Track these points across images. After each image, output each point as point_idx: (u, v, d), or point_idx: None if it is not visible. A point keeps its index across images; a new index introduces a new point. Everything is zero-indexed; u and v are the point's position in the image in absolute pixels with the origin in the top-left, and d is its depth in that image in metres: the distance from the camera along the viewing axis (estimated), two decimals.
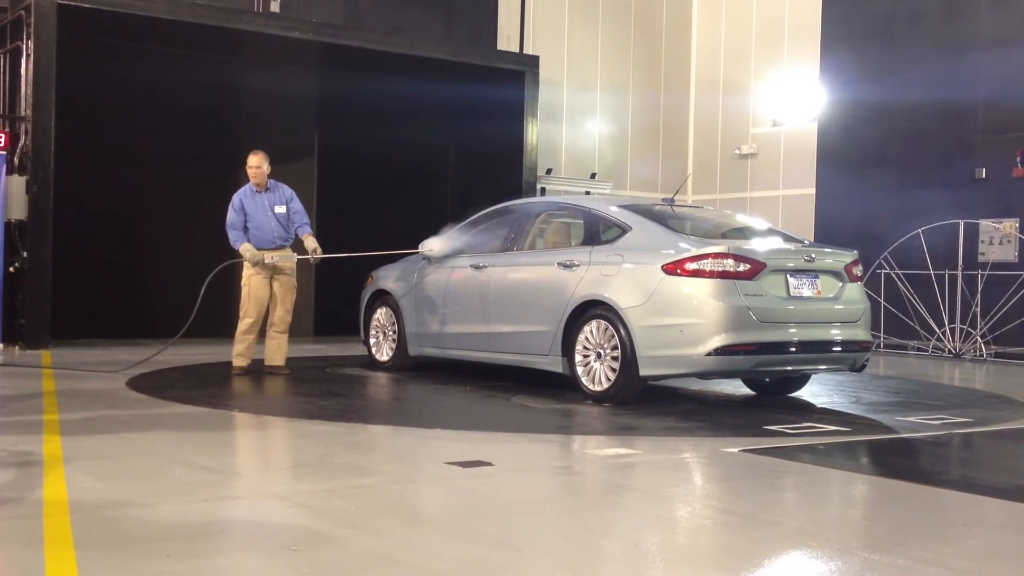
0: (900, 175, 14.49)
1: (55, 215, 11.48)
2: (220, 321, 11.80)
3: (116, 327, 13.09)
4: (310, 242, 9.36)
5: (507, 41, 15.91)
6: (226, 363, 9.65)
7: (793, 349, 7.60)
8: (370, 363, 10.24)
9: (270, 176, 9.39)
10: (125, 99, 13.30)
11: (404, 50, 13.83)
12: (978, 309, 13.34)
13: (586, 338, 7.92)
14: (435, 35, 14.96)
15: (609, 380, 7.72)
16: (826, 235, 14.80)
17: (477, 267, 9.08)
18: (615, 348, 7.67)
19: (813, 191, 15.77)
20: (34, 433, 5.96)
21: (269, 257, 9.21)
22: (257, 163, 9.27)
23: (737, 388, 9.09)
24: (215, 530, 4.05)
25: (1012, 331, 13.08)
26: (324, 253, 9.48)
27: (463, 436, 6.37)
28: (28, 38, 11.33)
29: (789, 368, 7.95)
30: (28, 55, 11.35)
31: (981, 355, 13.23)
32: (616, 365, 7.66)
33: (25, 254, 11.32)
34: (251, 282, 9.24)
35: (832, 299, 7.93)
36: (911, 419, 7.45)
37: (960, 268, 13.57)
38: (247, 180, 9.46)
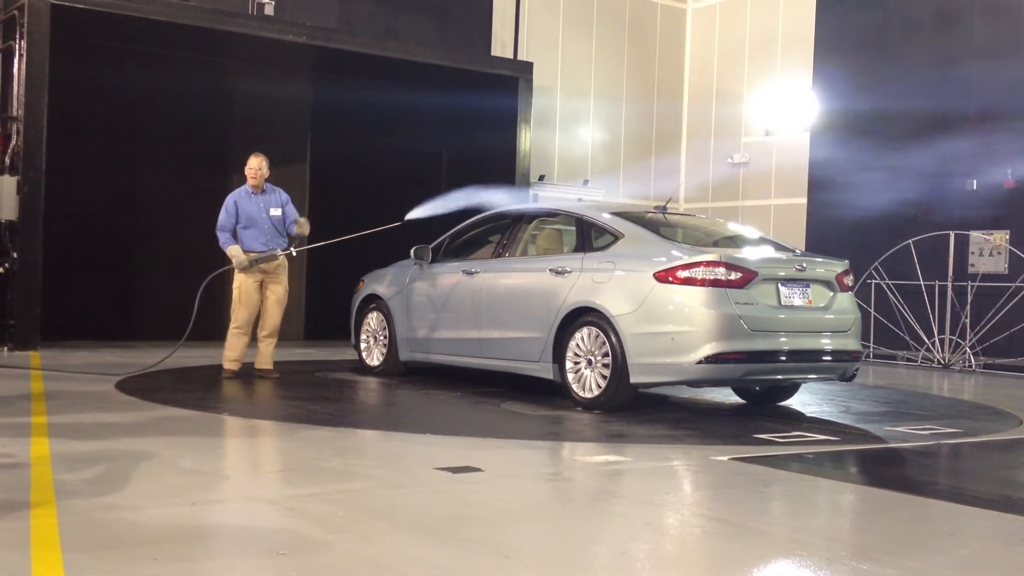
0: (891, 185, 14.52)
1: (46, 216, 11.45)
2: (211, 324, 11.77)
3: (106, 329, 13.06)
4: (295, 229, 9.32)
5: (501, 47, 15.93)
6: (216, 366, 9.63)
7: (783, 358, 7.60)
8: (360, 368, 10.23)
9: (266, 179, 9.41)
10: (117, 101, 13.27)
11: (398, 55, 13.82)
12: (967, 320, 13.37)
13: (577, 345, 7.92)
14: (429, 40, 14.95)
15: (600, 387, 7.72)
16: (817, 245, 14.83)
17: (469, 273, 9.08)
18: (606, 355, 7.67)
19: (805, 200, 15.80)
20: (22, 435, 5.94)
21: (253, 257, 9.17)
22: (257, 165, 9.30)
23: (727, 396, 9.09)
24: (203, 534, 4.03)
25: (1001, 342, 13.11)
26: (315, 257, 9.46)
27: (453, 442, 6.36)
28: (21, 38, 11.31)
29: (779, 377, 7.96)
30: (21, 55, 11.33)
31: (970, 366, 13.26)
32: (607, 372, 7.66)
33: (15, 255, 11.29)
34: (241, 285, 9.23)
35: (823, 309, 7.94)
36: (900, 429, 7.46)
37: (950, 279, 13.61)
38: (239, 183, 9.45)
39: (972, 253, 13.54)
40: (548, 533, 4.23)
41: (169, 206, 13.91)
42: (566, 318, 8.02)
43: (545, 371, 8.23)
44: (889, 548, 4.07)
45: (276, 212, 9.35)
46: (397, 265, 10.09)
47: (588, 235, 8.42)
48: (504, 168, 14.86)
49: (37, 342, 11.30)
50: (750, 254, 7.88)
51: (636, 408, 7.87)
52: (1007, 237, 13.25)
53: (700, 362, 7.31)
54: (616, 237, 8.14)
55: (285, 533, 4.01)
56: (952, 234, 13.61)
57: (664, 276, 7.50)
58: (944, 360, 13.52)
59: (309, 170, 15.19)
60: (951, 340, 13.55)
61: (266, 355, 9.43)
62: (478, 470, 5.34)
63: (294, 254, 9.55)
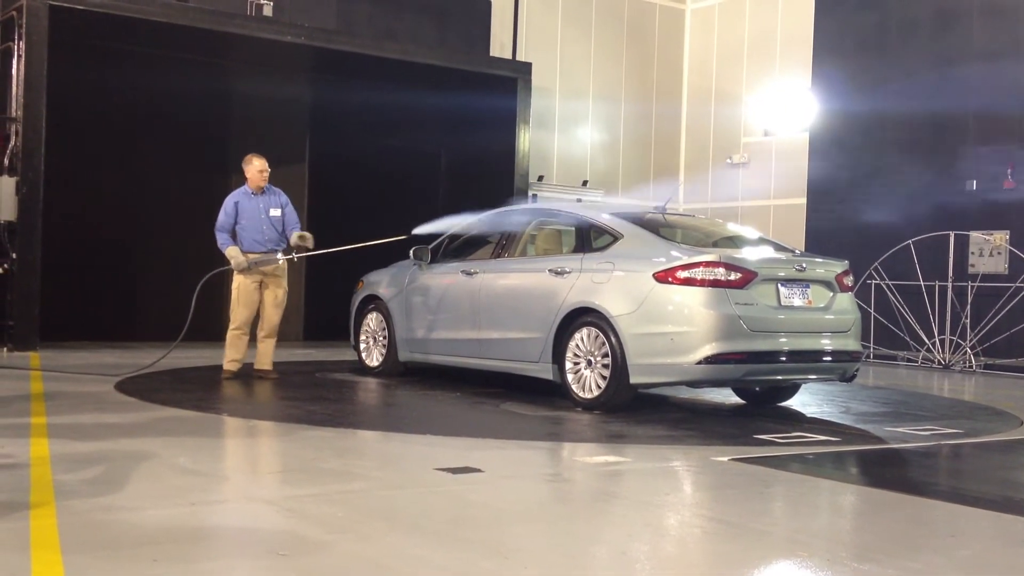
0: (891, 186, 14.52)
1: (45, 217, 11.44)
2: (210, 325, 11.76)
3: (105, 330, 13.06)
4: (295, 238, 9.31)
5: (500, 48, 15.92)
6: (215, 367, 9.62)
7: (783, 359, 7.60)
8: (360, 368, 10.22)
9: None
10: (116, 101, 13.27)
11: (397, 56, 13.82)
12: (968, 320, 13.37)
13: (577, 345, 7.91)
14: (428, 41, 14.94)
15: (599, 388, 7.72)
16: (817, 245, 14.82)
17: (468, 273, 9.07)
18: (606, 356, 7.66)
19: (804, 201, 15.79)
20: (22, 436, 5.93)
21: (253, 259, 9.17)
22: (264, 166, 9.31)
23: (727, 397, 9.09)
24: (202, 534, 4.03)
25: (1001, 343, 13.11)
26: (314, 257, 9.45)
27: (453, 442, 6.35)
28: (20, 39, 11.30)
29: (779, 377, 7.95)
30: (19, 56, 11.32)
31: (970, 366, 13.26)
32: (606, 373, 7.65)
33: (14, 255, 11.28)
34: (240, 286, 9.23)
35: (823, 309, 7.93)
36: (900, 430, 7.46)
37: (950, 279, 13.60)
38: (238, 183, 9.45)
39: (972, 253, 13.53)
40: (548, 534, 4.23)
41: (168, 206, 13.90)
42: (566, 318, 8.02)
43: (545, 371, 8.22)
44: (890, 549, 4.07)
45: (276, 213, 9.35)
46: (396, 266, 10.08)
47: (587, 235, 8.42)
48: (503, 169, 14.86)
49: (36, 343, 11.29)
50: (750, 254, 7.88)
51: (636, 409, 7.86)
52: (1007, 237, 13.24)
53: (700, 362, 7.30)
54: (615, 237, 8.13)
55: (285, 534, 4.00)
56: (952, 234, 13.61)
57: (664, 276, 7.49)
58: (944, 360, 13.52)
59: (308, 171, 15.18)
60: (951, 340, 13.54)
61: (265, 355, 9.43)
62: (478, 471, 5.34)
63: (295, 260, 9.55)
